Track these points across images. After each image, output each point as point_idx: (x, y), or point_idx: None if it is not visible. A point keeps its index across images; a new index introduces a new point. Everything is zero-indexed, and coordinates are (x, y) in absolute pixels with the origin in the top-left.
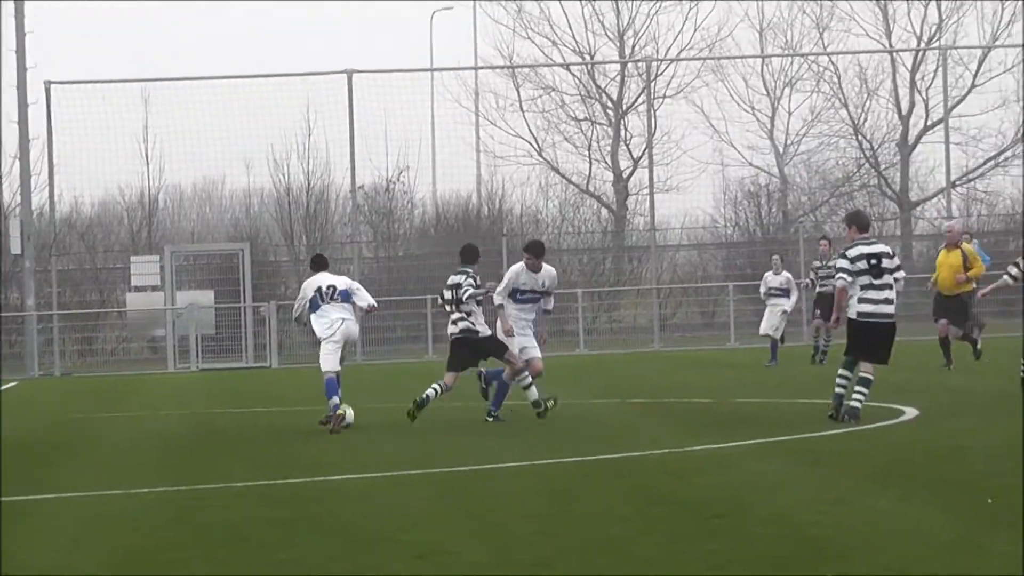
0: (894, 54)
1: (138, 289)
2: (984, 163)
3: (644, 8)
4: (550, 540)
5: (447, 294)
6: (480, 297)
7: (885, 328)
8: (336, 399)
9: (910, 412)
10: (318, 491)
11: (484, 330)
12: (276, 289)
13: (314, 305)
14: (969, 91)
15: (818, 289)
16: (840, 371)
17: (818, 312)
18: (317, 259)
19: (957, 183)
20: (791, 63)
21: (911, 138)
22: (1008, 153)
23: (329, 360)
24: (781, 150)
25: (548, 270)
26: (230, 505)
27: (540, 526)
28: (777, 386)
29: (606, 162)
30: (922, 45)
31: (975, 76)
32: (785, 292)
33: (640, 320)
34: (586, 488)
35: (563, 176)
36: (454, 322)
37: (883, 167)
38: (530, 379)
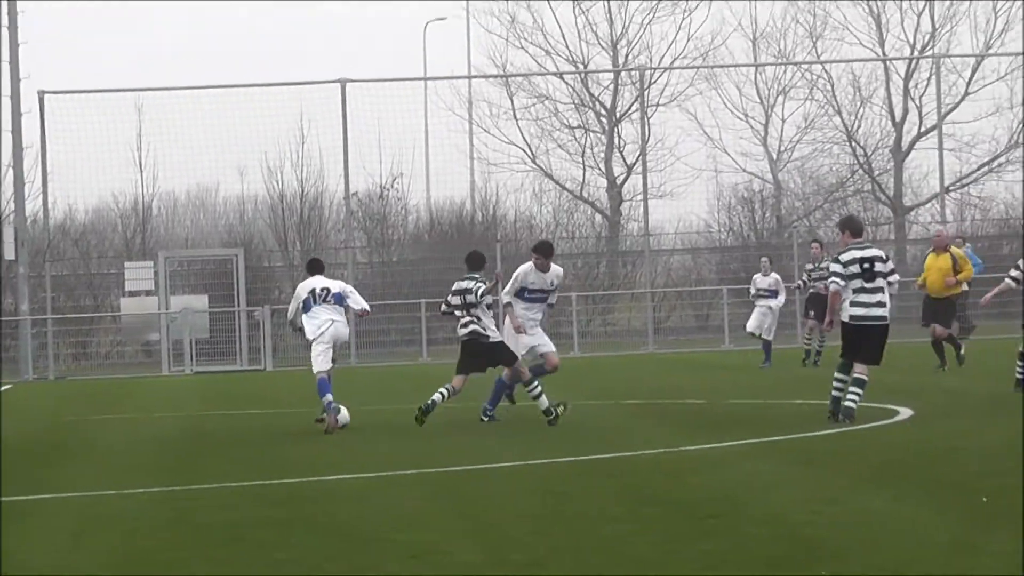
0: (887, 62)
1: (132, 294)
2: (978, 168)
3: (637, 17)
4: (544, 540)
5: (454, 300)
6: (490, 291)
7: (877, 330)
8: (329, 396)
9: (904, 413)
10: (314, 491)
11: (493, 334)
12: (270, 294)
13: (307, 306)
14: (962, 99)
15: (810, 290)
16: (836, 374)
17: (811, 313)
18: (313, 263)
19: (951, 188)
20: (784, 71)
21: (904, 145)
22: (1002, 159)
23: (319, 360)
24: (775, 156)
25: (556, 269)
26: (226, 505)
27: (534, 526)
28: (771, 387)
29: (600, 168)
30: (915, 53)
31: (968, 84)
32: (773, 293)
33: (634, 323)
34: (580, 488)
35: (557, 182)
36: (463, 325)
37: (877, 173)
38: (539, 389)
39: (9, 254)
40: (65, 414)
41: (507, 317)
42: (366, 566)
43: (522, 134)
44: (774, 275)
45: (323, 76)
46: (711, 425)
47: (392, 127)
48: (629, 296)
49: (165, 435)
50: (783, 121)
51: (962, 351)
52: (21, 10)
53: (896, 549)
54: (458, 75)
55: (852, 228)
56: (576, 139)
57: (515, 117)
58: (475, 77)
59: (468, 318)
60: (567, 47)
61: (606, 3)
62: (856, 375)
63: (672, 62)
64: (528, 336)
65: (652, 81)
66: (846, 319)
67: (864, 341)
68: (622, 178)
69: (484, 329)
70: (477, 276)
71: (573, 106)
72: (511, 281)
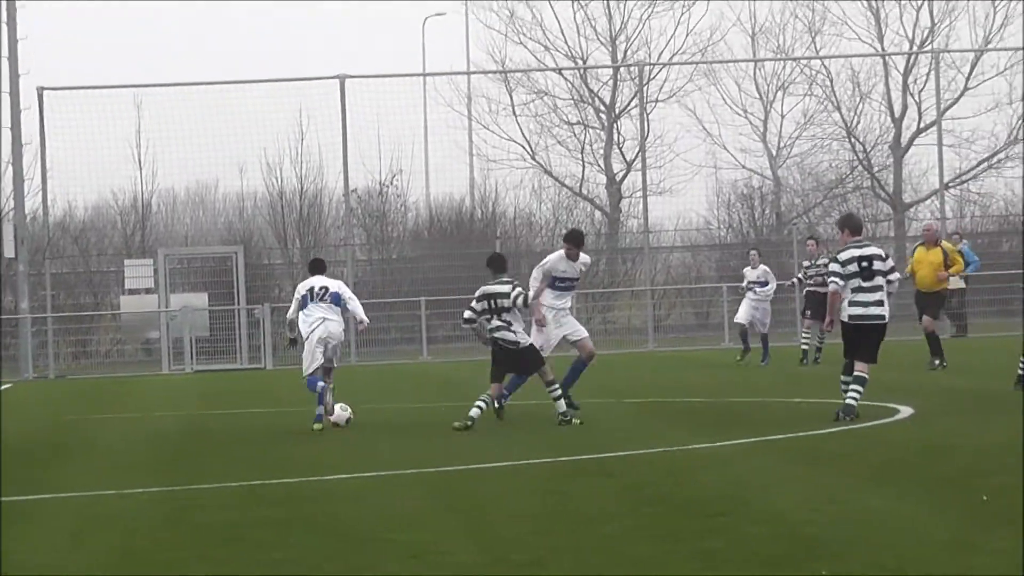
0: (886, 58)
1: (132, 292)
2: (977, 165)
3: (636, 13)
4: (544, 539)
5: (479, 305)
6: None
7: (875, 329)
8: (321, 384)
9: (905, 411)
10: (312, 491)
11: (524, 340)
12: (270, 292)
13: (303, 304)
14: (961, 94)
15: (807, 288)
16: (842, 376)
17: (808, 312)
18: (315, 263)
19: (950, 185)
20: (783, 67)
21: (904, 140)
22: (1001, 155)
23: (307, 360)
24: (774, 153)
25: (584, 258)
26: (225, 505)
27: (534, 525)
28: (770, 386)
29: (599, 165)
30: (914, 49)
31: (967, 79)
32: (764, 284)
33: (634, 321)
34: (580, 487)
35: (556, 179)
36: (494, 330)
37: (876, 169)
38: (560, 391)
39: (9, 252)
40: (65, 413)
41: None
42: (365, 566)
43: (521, 130)
44: (763, 267)
45: (322, 72)
46: (711, 423)
47: (391, 123)
48: (629, 294)
49: (165, 434)
50: (782, 117)
51: (943, 362)
52: (20, 6)
53: (896, 547)
54: (457, 71)
55: (851, 226)
56: (575, 135)
57: (514, 113)
58: (474, 73)
59: (498, 323)
60: (566, 43)
61: None
62: (857, 373)
63: (671, 58)
64: (559, 327)
65: (651, 77)
66: (845, 319)
67: (863, 340)
68: (621, 175)
69: (515, 335)
70: (509, 280)
71: (572, 102)
72: (540, 270)
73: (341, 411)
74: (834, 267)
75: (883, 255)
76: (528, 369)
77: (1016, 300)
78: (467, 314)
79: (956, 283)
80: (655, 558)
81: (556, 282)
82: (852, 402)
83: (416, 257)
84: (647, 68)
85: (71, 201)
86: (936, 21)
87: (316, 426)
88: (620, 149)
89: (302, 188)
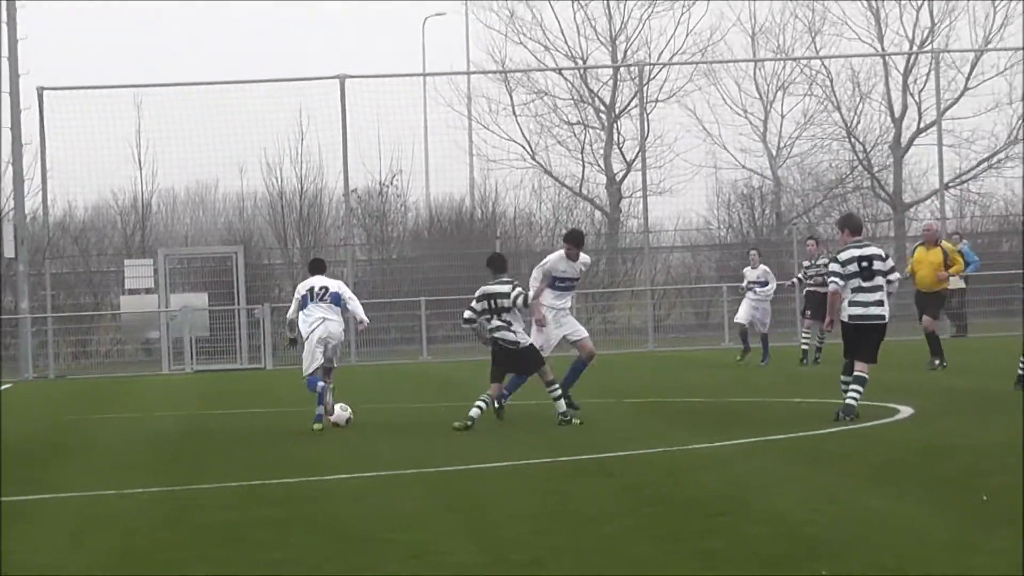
0: (886, 58)
1: (132, 292)
2: (977, 165)
3: (636, 13)
4: (543, 539)
5: (479, 305)
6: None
7: (875, 329)
8: (321, 384)
9: (905, 411)
10: (313, 491)
11: (524, 340)
12: (270, 292)
13: (303, 304)
14: (961, 94)
15: (807, 288)
16: (842, 376)
17: (808, 312)
18: (315, 263)
19: (950, 184)
20: (783, 67)
21: (904, 140)
22: (1001, 155)
23: (307, 360)
24: (774, 153)
25: (584, 258)
26: (225, 505)
27: (533, 525)
28: (770, 386)
29: (599, 165)
30: (914, 49)
31: (967, 79)
32: (764, 284)
33: (634, 321)
34: (580, 488)
35: (556, 179)
36: (494, 330)
37: (876, 169)
38: (560, 391)
39: (9, 252)
40: (65, 413)
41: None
42: (365, 566)
43: (521, 130)
44: (763, 266)
45: (322, 72)
46: (711, 423)
47: (391, 123)
48: (629, 294)
49: (165, 434)
50: (782, 117)
51: (943, 362)
52: (20, 6)
53: (896, 547)
54: (457, 71)
55: (851, 226)
56: (575, 135)
57: (514, 113)
58: (474, 73)
59: (498, 323)
60: (566, 43)
61: None
62: (857, 373)
63: (671, 58)
64: (559, 327)
65: (651, 77)
66: (845, 319)
67: (863, 340)
68: (621, 175)
69: (515, 335)
70: (509, 280)
71: (572, 102)
72: (540, 270)
73: (341, 411)
74: (834, 267)
75: (883, 255)
76: (528, 369)
77: (1016, 300)
78: (467, 314)
79: (956, 283)
80: (655, 558)
81: (556, 282)
82: (852, 402)
83: (416, 257)
84: (647, 68)
85: (71, 201)
86: (936, 21)
87: (316, 426)
88: (620, 149)
89: (302, 188)
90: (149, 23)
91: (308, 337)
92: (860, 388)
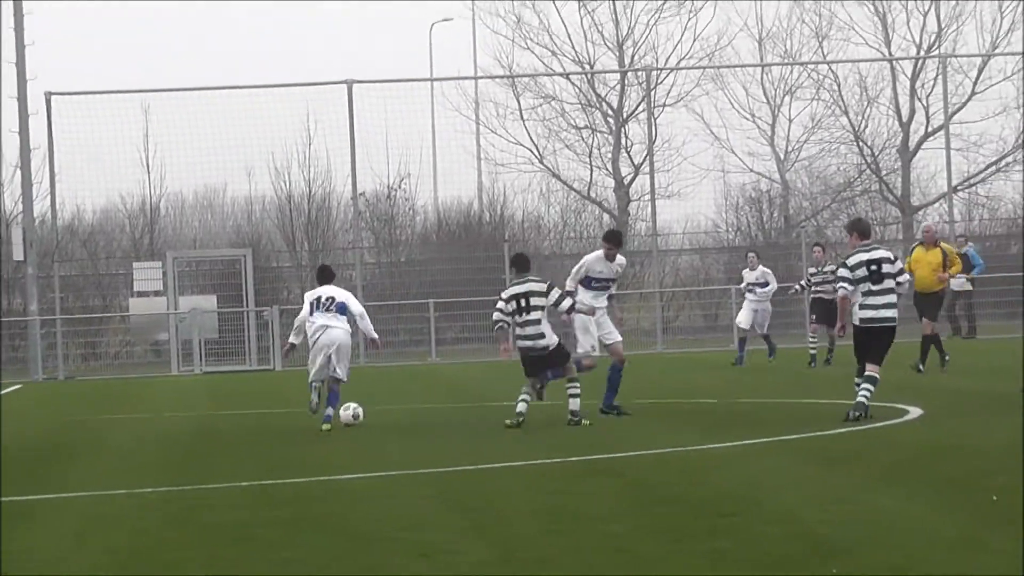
0: (894, 62)
1: (140, 294)
2: (985, 168)
3: (643, 18)
4: (552, 538)
5: (509, 306)
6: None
7: (887, 331)
8: (326, 409)
9: (914, 412)
10: (321, 491)
11: (552, 340)
12: (279, 294)
13: (309, 313)
14: (969, 98)
15: (813, 295)
16: (856, 379)
17: (814, 317)
18: (322, 271)
19: (958, 188)
20: (791, 71)
21: (912, 144)
22: (1009, 159)
23: (313, 367)
24: (782, 156)
25: (620, 259)
26: (234, 505)
27: (542, 525)
28: (779, 387)
29: (607, 169)
30: (922, 53)
31: (975, 84)
32: (764, 286)
33: (643, 323)
34: (589, 487)
35: (564, 183)
36: (522, 335)
37: (884, 173)
38: (578, 389)
39: (18, 255)
40: (74, 414)
41: (575, 314)
42: (374, 565)
43: (529, 135)
44: (762, 268)
45: (329, 78)
46: (721, 424)
47: (399, 128)
48: (638, 296)
49: (174, 434)
50: (790, 121)
51: (947, 358)
52: (28, 11)
53: (906, 547)
54: (464, 76)
55: (859, 230)
56: (583, 139)
57: (522, 118)
58: (481, 78)
59: (527, 319)
60: (573, 48)
61: (612, 3)
62: (868, 373)
63: (678, 62)
64: (595, 326)
65: (659, 81)
66: (856, 322)
67: (874, 342)
68: (629, 178)
69: (544, 336)
70: (538, 279)
71: (580, 107)
72: (576, 269)
73: (344, 411)
74: (843, 272)
75: (891, 258)
76: (559, 365)
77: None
78: (496, 315)
79: (963, 285)
80: (664, 557)
81: (592, 282)
82: (863, 400)
83: (424, 260)
84: (654, 72)
85: (79, 205)
86: (943, 26)
87: (325, 427)
88: (628, 153)
89: (310, 192)
90: (155, 28)
91: (312, 345)
92: (871, 387)
